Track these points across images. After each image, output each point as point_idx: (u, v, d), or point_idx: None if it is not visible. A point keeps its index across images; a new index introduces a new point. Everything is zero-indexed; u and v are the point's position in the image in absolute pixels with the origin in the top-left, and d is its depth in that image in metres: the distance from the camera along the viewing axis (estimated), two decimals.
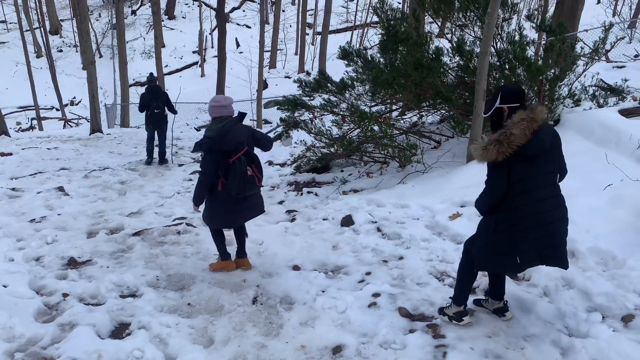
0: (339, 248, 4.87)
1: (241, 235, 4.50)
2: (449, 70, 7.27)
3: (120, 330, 3.49)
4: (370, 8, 24.64)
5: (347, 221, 5.48)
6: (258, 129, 4.36)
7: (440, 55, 6.89)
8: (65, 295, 3.95)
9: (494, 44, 6.65)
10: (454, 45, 7.20)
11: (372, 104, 7.94)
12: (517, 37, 6.89)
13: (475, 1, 6.85)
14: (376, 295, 3.79)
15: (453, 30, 7.70)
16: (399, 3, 24.82)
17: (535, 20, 7.10)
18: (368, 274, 4.21)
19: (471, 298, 3.39)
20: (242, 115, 4.17)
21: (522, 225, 2.90)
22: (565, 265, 3.02)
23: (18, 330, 3.32)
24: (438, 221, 5.01)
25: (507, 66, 6.94)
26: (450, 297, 3.37)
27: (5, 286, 3.91)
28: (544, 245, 2.92)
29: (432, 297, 3.73)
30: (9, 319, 3.38)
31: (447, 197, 5.45)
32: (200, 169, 4.20)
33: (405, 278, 4.05)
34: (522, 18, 8.00)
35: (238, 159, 3.95)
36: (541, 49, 8.79)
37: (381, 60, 7.66)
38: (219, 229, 4.40)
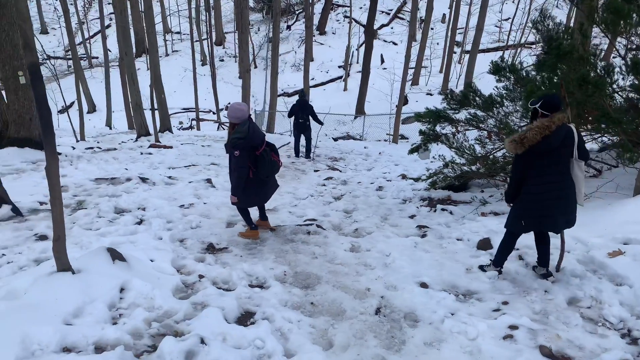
0: (472, 271, 4.50)
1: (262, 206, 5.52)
2: (619, 92, 6.40)
3: (245, 318, 3.58)
4: (527, 26, 23.19)
5: (485, 244, 5.06)
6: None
7: (611, 71, 6.09)
8: (201, 276, 4.20)
9: None
10: (628, 62, 6.33)
11: (523, 124, 7.32)
12: None
13: None
14: (513, 327, 3.40)
15: (628, 46, 6.77)
16: (560, 21, 22.94)
17: None
18: (505, 303, 3.81)
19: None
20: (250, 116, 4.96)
21: (530, 199, 3.89)
22: (556, 230, 3.98)
23: (157, 302, 3.57)
24: (593, 257, 4.36)
25: None
26: (490, 260, 4.49)
27: (152, 260, 4.29)
28: (541, 215, 3.87)
29: (581, 339, 3.23)
30: (152, 290, 3.66)
31: (606, 231, 4.74)
32: (236, 165, 4.82)
33: (550, 314, 3.58)
34: None
35: (264, 150, 4.90)
36: None
37: (537, 77, 7.04)
38: (246, 207, 5.26)
